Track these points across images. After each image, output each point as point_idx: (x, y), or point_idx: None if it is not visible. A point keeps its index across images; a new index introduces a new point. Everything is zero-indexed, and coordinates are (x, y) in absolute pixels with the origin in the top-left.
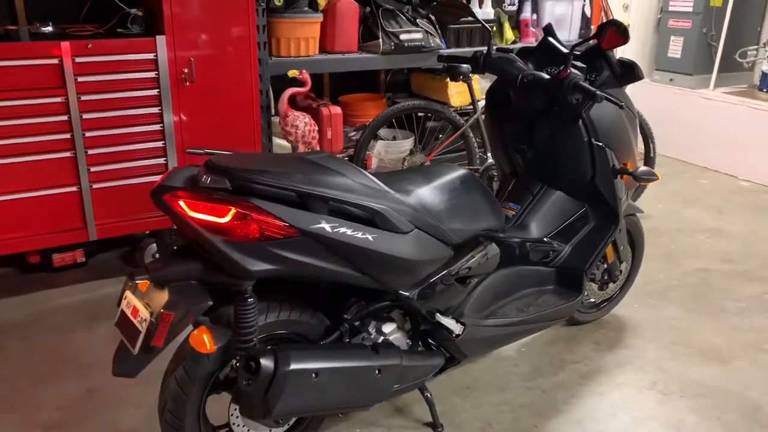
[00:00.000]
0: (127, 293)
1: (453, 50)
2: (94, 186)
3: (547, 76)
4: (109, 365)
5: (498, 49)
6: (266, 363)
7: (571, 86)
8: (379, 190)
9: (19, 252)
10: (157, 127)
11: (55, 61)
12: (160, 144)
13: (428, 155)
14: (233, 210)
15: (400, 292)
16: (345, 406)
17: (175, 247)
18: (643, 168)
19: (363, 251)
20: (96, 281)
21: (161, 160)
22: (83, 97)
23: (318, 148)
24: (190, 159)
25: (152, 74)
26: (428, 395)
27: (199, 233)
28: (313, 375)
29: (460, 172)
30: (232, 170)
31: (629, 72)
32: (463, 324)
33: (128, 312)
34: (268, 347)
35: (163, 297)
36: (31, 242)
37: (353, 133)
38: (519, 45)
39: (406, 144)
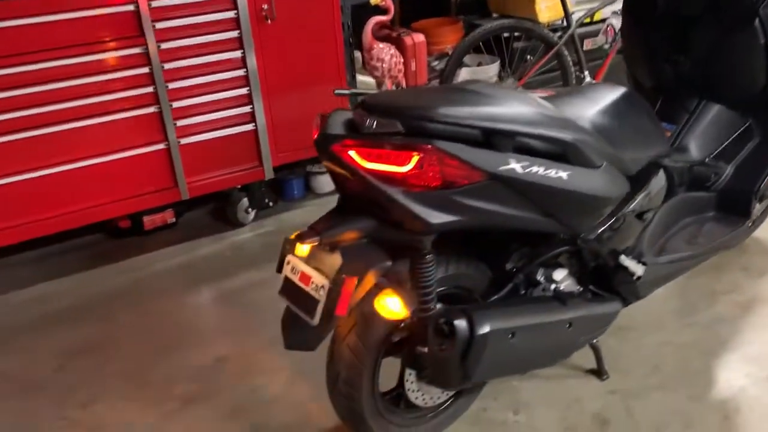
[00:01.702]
0: (290, 258)
1: None
2: (182, 141)
3: None
4: (230, 331)
5: None
6: (461, 325)
7: None
8: (564, 120)
9: (111, 218)
10: (240, 72)
11: (131, 7)
12: (245, 90)
13: (520, 80)
14: (416, 156)
15: (583, 235)
16: (536, 365)
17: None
18: None
19: (554, 192)
20: (189, 242)
21: (247, 108)
22: (163, 46)
23: (404, 83)
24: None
25: (231, 14)
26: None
27: (373, 186)
28: (510, 335)
29: (623, 90)
30: (402, 110)
31: None
32: (644, 264)
33: (295, 279)
34: (459, 308)
35: (335, 260)
36: (122, 207)
37: (435, 63)
38: None
39: (493, 69)
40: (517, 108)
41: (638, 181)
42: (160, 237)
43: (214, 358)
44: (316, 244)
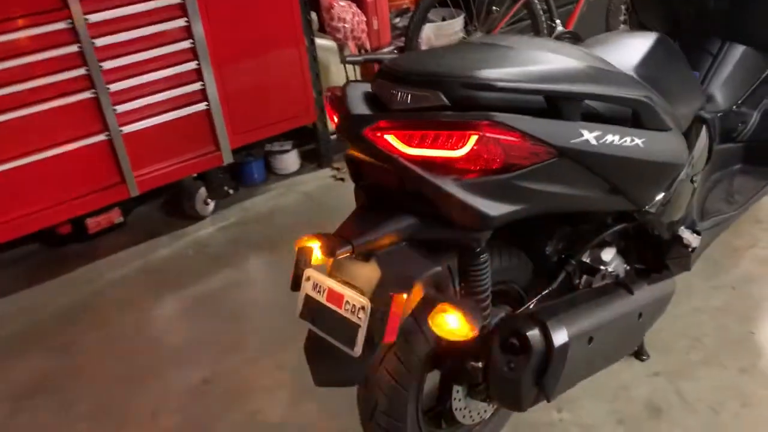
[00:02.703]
0: (310, 273)
1: None
2: (125, 130)
3: None
4: (212, 345)
5: None
6: (535, 337)
7: None
8: (628, 76)
9: (50, 225)
10: (186, 44)
11: None
12: (193, 65)
13: (492, 30)
14: (474, 136)
15: (644, 208)
16: (608, 364)
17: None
18: None
19: (629, 164)
20: (144, 243)
21: (197, 85)
22: (91, 18)
23: (367, 44)
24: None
25: None
26: None
27: (418, 177)
28: (588, 340)
29: (656, 35)
30: (442, 78)
31: None
32: (698, 233)
33: (321, 299)
34: (526, 316)
35: (372, 272)
36: (62, 211)
37: (397, 20)
38: None
39: (458, 23)
40: (576, 65)
41: (687, 139)
42: (108, 241)
43: (199, 380)
44: (349, 254)
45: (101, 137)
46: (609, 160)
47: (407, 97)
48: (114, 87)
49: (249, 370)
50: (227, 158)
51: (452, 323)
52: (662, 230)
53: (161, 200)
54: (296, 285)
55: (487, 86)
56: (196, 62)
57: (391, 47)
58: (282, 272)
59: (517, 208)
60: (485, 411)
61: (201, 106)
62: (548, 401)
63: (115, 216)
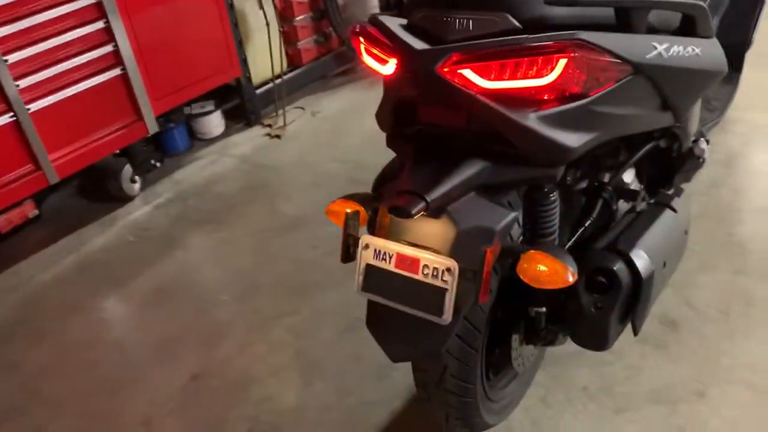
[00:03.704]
0: (368, 239)
1: None
2: (32, 107)
3: None
4: (188, 337)
5: None
6: (623, 272)
7: None
8: None
9: None
10: None
11: None
12: (101, 24)
13: None
14: (564, 59)
15: (678, 123)
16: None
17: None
18: None
19: (689, 75)
20: (72, 235)
21: (108, 48)
22: None
23: None
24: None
25: None
26: None
27: (495, 113)
28: (663, 264)
29: None
30: None
31: None
32: (708, 142)
33: (389, 266)
34: (604, 250)
35: (447, 229)
36: None
37: None
38: None
39: None
40: None
41: None
42: (25, 238)
43: (188, 377)
44: (423, 212)
45: (5, 119)
46: (675, 73)
47: (468, 23)
48: (12, 58)
49: (241, 357)
50: (152, 127)
51: (549, 272)
52: (686, 142)
53: (76, 184)
54: (348, 256)
55: (566, 0)
56: (104, 20)
57: None
58: (241, 246)
59: (593, 136)
60: (532, 355)
61: (116, 71)
62: (636, 335)
63: (29, 209)
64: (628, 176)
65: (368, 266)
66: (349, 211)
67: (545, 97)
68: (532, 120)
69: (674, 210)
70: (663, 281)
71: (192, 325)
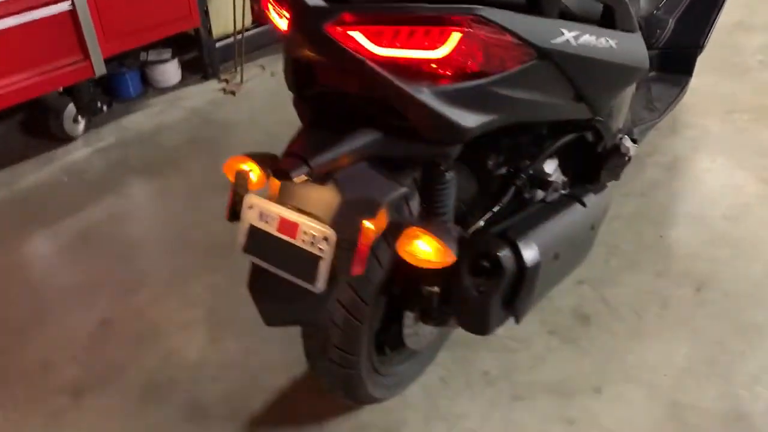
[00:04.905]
0: (253, 200)
1: None
2: None
3: None
4: (105, 283)
5: None
6: (507, 258)
7: None
8: None
9: None
10: None
11: None
12: None
13: None
14: (457, 33)
15: (598, 117)
16: (564, 278)
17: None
18: None
19: (601, 66)
20: (5, 170)
21: None
22: None
23: None
24: None
25: None
26: None
27: (387, 83)
28: (554, 256)
29: None
30: None
31: None
32: (635, 142)
33: (271, 229)
34: (493, 235)
35: (331, 196)
36: None
37: None
38: None
39: None
40: None
41: None
42: None
43: (97, 323)
44: (306, 178)
45: None
46: (584, 63)
47: None
48: None
49: (154, 309)
50: (99, 69)
51: (427, 250)
52: (608, 139)
53: (18, 119)
54: (235, 215)
55: None
56: None
57: None
58: (176, 200)
59: (491, 118)
60: (431, 334)
61: (64, 6)
62: (517, 322)
63: None
64: (550, 166)
65: (251, 227)
66: (240, 168)
67: (441, 72)
68: (425, 94)
69: (583, 204)
70: (556, 274)
71: (111, 272)
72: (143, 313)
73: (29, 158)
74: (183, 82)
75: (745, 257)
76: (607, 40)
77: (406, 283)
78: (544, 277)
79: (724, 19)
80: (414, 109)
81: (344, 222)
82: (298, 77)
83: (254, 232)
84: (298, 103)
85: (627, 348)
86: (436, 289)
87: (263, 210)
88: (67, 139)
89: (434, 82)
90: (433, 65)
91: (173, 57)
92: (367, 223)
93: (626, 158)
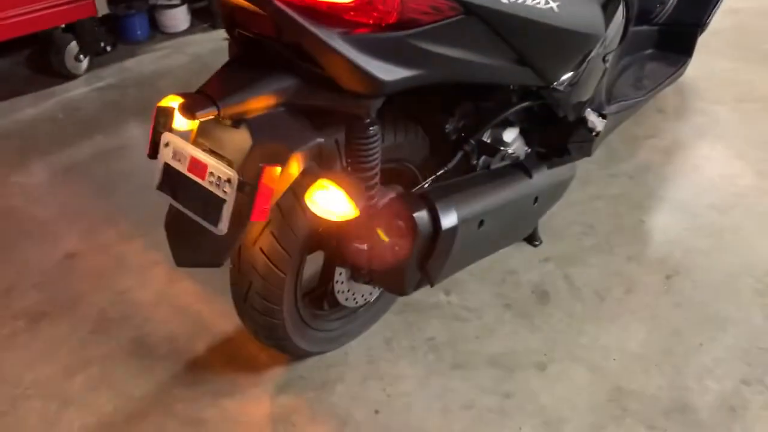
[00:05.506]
0: (169, 137)
1: None
2: None
3: None
4: (78, 218)
5: None
6: (422, 218)
7: None
8: None
9: None
10: None
11: None
12: None
13: None
14: None
15: (553, 85)
16: (497, 249)
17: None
18: None
19: (541, 29)
20: (5, 102)
21: None
22: None
23: None
24: None
25: None
26: None
27: (298, 27)
28: (479, 223)
29: None
30: None
31: None
32: (604, 117)
33: (182, 168)
34: (415, 195)
35: (242, 140)
36: None
37: None
38: None
39: None
40: None
41: (603, 14)
42: None
43: (63, 255)
44: (213, 117)
45: None
46: (519, 23)
47: None
48: None
49: (120, 247)
50: (102, 9)
51: (331, 201)
52: (569, 111)
53: (25, 54)
54: (154, 152)
55: None
56: None
57: None
58: None
59: (413, 74)
60: (370, 294)
61: None
62: (431, 286)
63: None
64: (509, 135)
65: (166, 165)
66: (163, 105)
67: (358, 20)
68: (336, 40)
69: (529, 176)
70: (482, 243)
71: (86, 208)
72: (108, 250)
73: (29, 92)
74: (191, 30)
75: (724, 249)
76: (547, 2)
77: (337, 240)
78: (464, 244)
79: (755, 2)
80: (326, 56)
81: (247, 166)
82: (226, 18)
83: (168, 171)
84: (229, 43)
85: (581, 329)
86: (364, 246)
87: (177, 148)
88: (69, 76)
89: (350, 29)
90: (352, 13)
91: (183, 3)
92: (269, 168)
93: (593, 133)
